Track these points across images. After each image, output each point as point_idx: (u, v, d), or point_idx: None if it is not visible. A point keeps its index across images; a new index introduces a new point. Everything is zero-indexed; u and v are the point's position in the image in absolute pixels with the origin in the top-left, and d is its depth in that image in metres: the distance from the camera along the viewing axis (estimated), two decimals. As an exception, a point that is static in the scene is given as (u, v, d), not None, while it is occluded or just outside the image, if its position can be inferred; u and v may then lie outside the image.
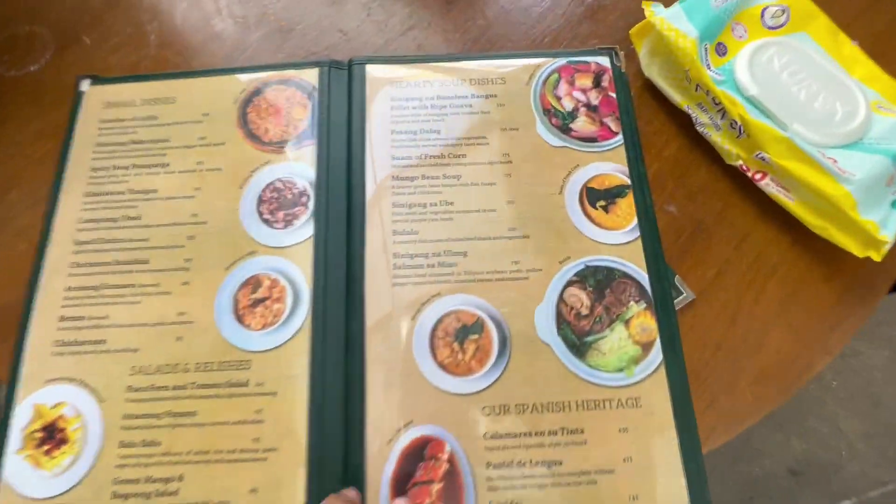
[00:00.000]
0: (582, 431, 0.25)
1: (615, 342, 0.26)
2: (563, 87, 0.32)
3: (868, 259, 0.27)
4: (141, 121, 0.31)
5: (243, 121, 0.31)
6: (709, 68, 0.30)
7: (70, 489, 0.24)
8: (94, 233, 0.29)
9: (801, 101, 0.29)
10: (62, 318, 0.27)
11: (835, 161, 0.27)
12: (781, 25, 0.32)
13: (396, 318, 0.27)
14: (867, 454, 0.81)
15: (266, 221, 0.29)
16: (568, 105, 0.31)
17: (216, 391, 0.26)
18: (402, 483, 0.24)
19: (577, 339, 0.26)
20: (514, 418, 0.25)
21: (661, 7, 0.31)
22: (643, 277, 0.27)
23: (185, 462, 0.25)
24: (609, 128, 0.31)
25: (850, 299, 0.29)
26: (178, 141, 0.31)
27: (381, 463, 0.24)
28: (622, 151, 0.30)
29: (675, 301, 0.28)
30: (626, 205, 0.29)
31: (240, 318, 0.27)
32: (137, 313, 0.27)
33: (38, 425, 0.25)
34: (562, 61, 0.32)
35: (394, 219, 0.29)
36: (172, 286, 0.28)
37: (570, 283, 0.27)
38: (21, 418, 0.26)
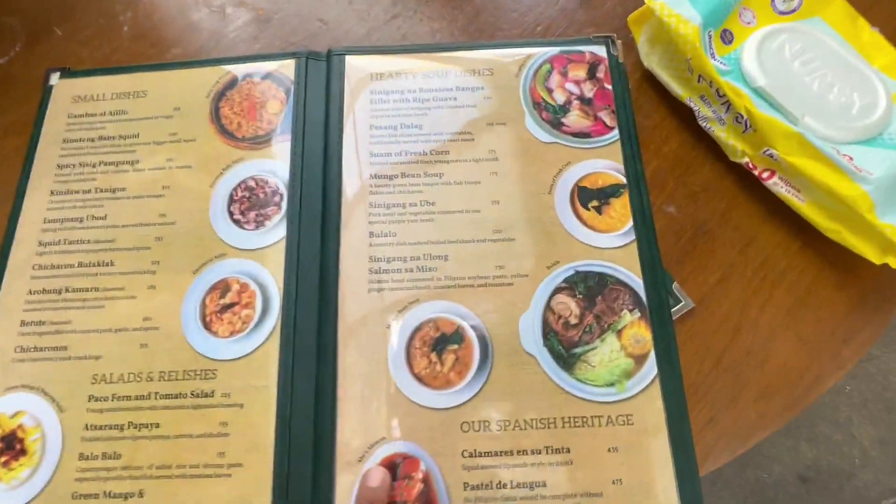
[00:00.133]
0: (568, 450, 0.23)
1: (606, 354, 0.24)
2: (554, 79, 0.30)
3: (885, 266, 0.25)
4: (110, 116, 0.30)
5: (216, 115, 0.30)
6: (713, 57, 0.28)
7: (27, 503, 0.23)
8: (58, 233, 0.28)
9: (815, 92, 0.27)
10: (23, 323, 0.26)
11: (850, 158, 0.25)
12: (794, 10, 0.30)
13: (371, 326, 0.25)
14: (881, 461, 0.78)
15: (237, 222, 0.27)
16: (560, 98, 0.29)
17: (180, 402, 0.24)
18: (372, 504, 0.22)
19: (565, 351, 0.25)
20: (494, 436, 0.23)
21: (662, -9, 0.29)
22: (638, 284, 0.25)
23: (147, 477, 0.23)
24: (604, 122, 0.29)
25: (865, 309, 0.27)
26: (148, 137, 0.29)
27: (352, 482, 0.23)
28: (618, 148, 0.28)
29: (673, 310, 0.26)
30: (621, 205, 0.27)
31: (207, 325, 0.26)
32: (101, 318, 0.26)
33: (-5, 435, 0.24)
34: (554, 51, 0.30)
35: (371, 220, 0.27)
36: (138, 290, 0.26)
37: (558, 290, 0.25)
38: (-21, 428, 0.25)
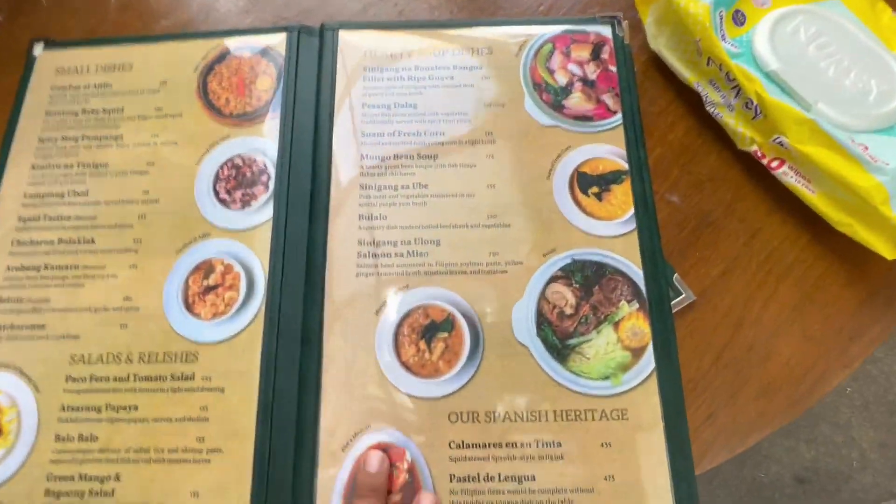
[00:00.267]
0: (559, 445, 0.22)
1: (602, 346, 0.24)
2: (556, 59, 0.28)
3: (898, 261, 0.24)
4: (95, 89, 0.29)
5: (203, 91, 0.28)
6: (723, 39, 0.26)
7: (2, 484, 0.23)
8: (38, 209, 0.27)
9: (830, 77, 0.26)
10: (0, 300, 0.25)
11: (865, 148, 0.24)
12: (811, -8, 0.28)
13: (359, 311, 0.24)
14: (881, 465, 0.77)
15: (222, 201, 0.26)
16: (561, 79, 0.28)
17: (160, 385, 0.24)
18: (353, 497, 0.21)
19: (559, 342, 0.24)
20: (483, 427, 0.22)
21: (672, -31, 0.27)
22: (637, 275, 0.24)
23: (123, 460, 0.23)
24: (607, 106, 0.27)
25: (875, 307, 0.26)
26: (133, 111, 0.28)
27: (335, 470, 0.22)
28: (620, 133, 0.27)
29: (673, 302, 0.25)
30: (622, 192, 0.26)
31: (189, 307, 0.25)
32: (80, 297, 0.25)
33: (-31, 414, 0.24)
34: (557, 30, 0.29)
35: (361, 202, 0.26)
36: (119, 269, 0.25)
37: (553, 279, 0.24)
38: (-47, 406, 0.24)
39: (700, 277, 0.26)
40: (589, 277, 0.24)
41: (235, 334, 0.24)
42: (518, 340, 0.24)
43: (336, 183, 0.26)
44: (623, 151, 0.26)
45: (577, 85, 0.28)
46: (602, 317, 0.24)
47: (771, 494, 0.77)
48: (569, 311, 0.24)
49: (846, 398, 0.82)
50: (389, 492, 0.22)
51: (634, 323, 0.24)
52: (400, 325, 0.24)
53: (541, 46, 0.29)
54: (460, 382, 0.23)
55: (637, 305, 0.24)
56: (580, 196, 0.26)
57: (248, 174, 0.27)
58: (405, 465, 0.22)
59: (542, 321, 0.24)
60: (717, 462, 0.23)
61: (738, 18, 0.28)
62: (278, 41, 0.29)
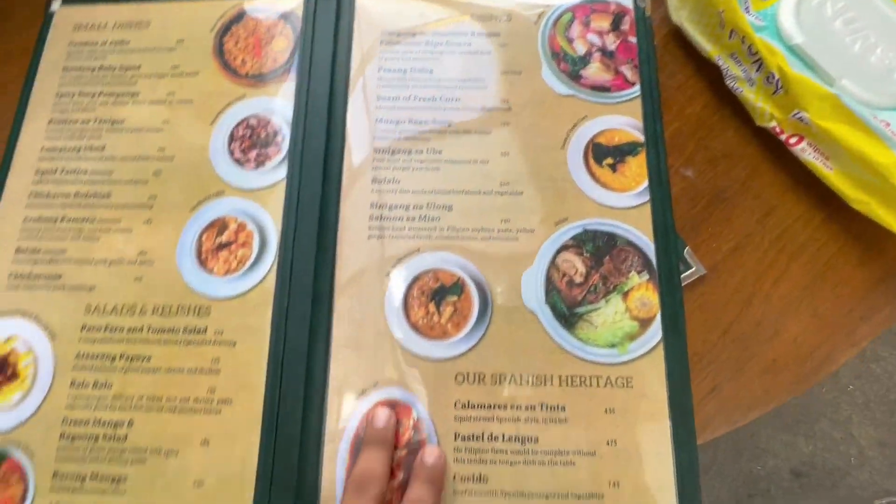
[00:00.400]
0: (563, 409, 0.22)
1: (609, 315, 0.24)
2: (576, 29, 0.28)
3: (914, 241, 0.23)
4: (111, 45, 0.29)
5: (219, 50, 0.28)
6: (747, 11, 0.26)
7: (18, 426, 0.23)
8: (56, 162, 0.27)
9: (855, 53, 0.25)
10: (18, 250, 0.26)
11: (888, 124, 0.23)
12: (840, -33, 0.27)
13: (369, 272, 0.24)
14: (878, 463, 0.77)
15: (237, 161, 0.27)
16: (580, 49, 0.28)
17: (173, 336, 0.24)
18: (361, 450, 0.22)
19: (567, 310, 0.24)
20: (489, 388, 0.23)
21: (698, -61, 0.27)
22: (648, 246, 0.24)
23: (136, 407, 0.23)
24: (625, 77, 0.27)
25: (887, 288, 0.25)
26: (149, 69, 0.28)
27: (343, 423, 0.22)
28: (638, 105, 0.27)
29: (683, 275, 0.25)
30: (637, 165, 0.26)
31: (202, 262, 0.25)
32: (96, 250, 0.25)
33: (-12, 358, 0.24)
34: (577, -1, 0.28)
35: (374, 165, 0.26)
36: (134, 223, 0.26)
37: (564, 248, 0.25)
38: (-28, 350, 0.24)
39: (711, 252, 0.26)
40: (600, 247, 0.24)
41: (247, 290, 0.25)
42: (526, 306, 0.24)
43: (350, 146, 0.26)
44: (639, 123, 0.26)
45: (596, 55, 0.27)
46: (611, 286, 0.24)
47: (767, 487, 0.78)
48: (578, 279, 0.24)
49: (848, 395, 0.82)
50: (395, 447, 0.22)
51: (643, 294, 0.24)
52: (410, 287, 0.24)
53: (560, 15, 0.28)
54: (468, 345, 0.23)
55: (647, 277, 0.24)
56: (594, 166, 0.26)
57: (263, 135, 0.27)
58: (411, 423, 0.22)
59: (551, 288, 0.24)
60: (719, 434, 0.24)
61: (764, -9, 0.27)
62: (296, 4, 0.29)
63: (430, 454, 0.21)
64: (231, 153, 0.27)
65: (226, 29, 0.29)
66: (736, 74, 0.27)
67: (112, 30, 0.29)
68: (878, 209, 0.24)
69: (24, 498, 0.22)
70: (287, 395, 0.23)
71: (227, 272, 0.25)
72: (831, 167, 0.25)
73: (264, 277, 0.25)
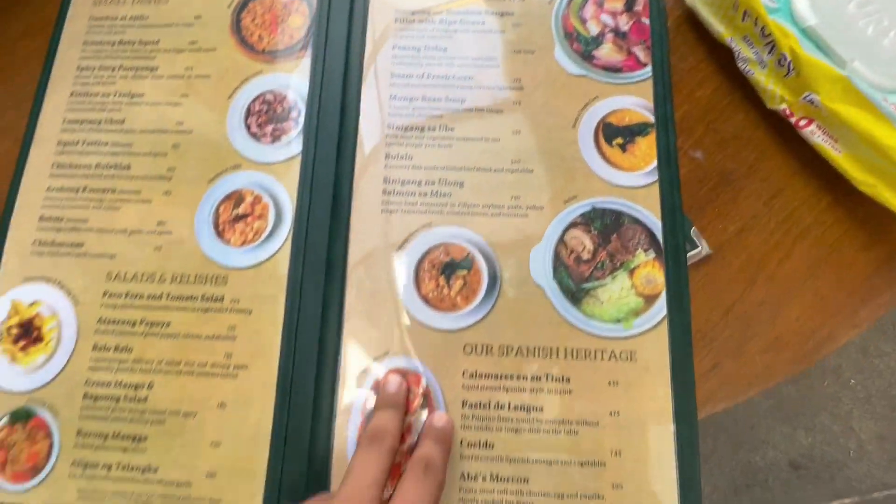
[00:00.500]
0: (568, 380, 0.23)
1: (615, 292, 0.24)
2: (589, 9, 0.28)
3: (919, 224, 0.24)
4: (130, 20, 0.29)
5: (237, 27, 0.29)
6: (762, -7, 0.26)
7: (43, 385, 0.24)
8: (77, 134, 0.28)
9: (868, 36, 0.25)
10: (42, 218, 0.27)
11: (898, 108, 0.24)
12: (856, -50, 0.27)
13: (382, 245, 0.25)
14: (877, 456, 0.78)
15: (253, 135, 0.27)
16: (593, 29, 0.28)
17: (191, 304, 0.25)
18: (373, 412, 0.23)
19: (574, 285, 0.24)
20: (496, 359, 0.23)
21: (714, -80, 0.27)
22: (655, 225, 0.25)
23: (156, 371, 0.24)
24: (637, 58, 0.27)
25: (889, 271, 0.26)
26: (167, 44, 0.29)
27: (354, 390, 0.23)
28: (649, 86, 0.27)
29: (689, 254, 0.25)
30: (647, 145, 0.26)
31: (220, 233, 0.26)
32: (116, 219, 0.26)
33: (14, 321, 0.25)
34: (592, -20, 0.29)
35: (387, 141, 0.26)
36: (153, 195, 0.27)
37: (573, 225, 0.25)
38: (-1, 313, 0.25)
39: (717, 233, 0.26)
40: (608, 225, 0.25)
41: (263, 261, 0.25)
42: (534, 281, 0.24)
43: (364, 121, 0.27)
44: (650, 105, 0.27)
45: (609, 35, 0.28)
46: (618, 263, 0.24)
47: (765, 478, 0.78)
48: (586, 256, 0.25)
49: (849, 390, 0.82)
50: (405, 413, 0.23)
51: (649, 271, 0.24)
52: (421, 260, 0.25)
53: (574, -4, 0.28)
54: (476, 317, 0.24)
55: (653, 255, 0.25)
56: (604, 146, 0.26)
57: (279, 110, 0.27)
58: (420, 390, 0.23)
59: (558, 264, 0.25)
60: (719, 409, 0.24)
61: (779, -27, 0.27)
62: (311, -20, 0.29)
63: (439, 418, 0.22)
64: (248, 128, 0.27)
65: (243, 5, 0.29)
66: (748, 57, 0.27)
67: (131, 5, 0.30)
68: (885, 192, 0.24)
69: (49, 453, 0.24)
70: (301, 362, 0.24)
71: (244, 243, 0.26)
72: (840, 150, 0.25)
73: (279, 249, 0.25)
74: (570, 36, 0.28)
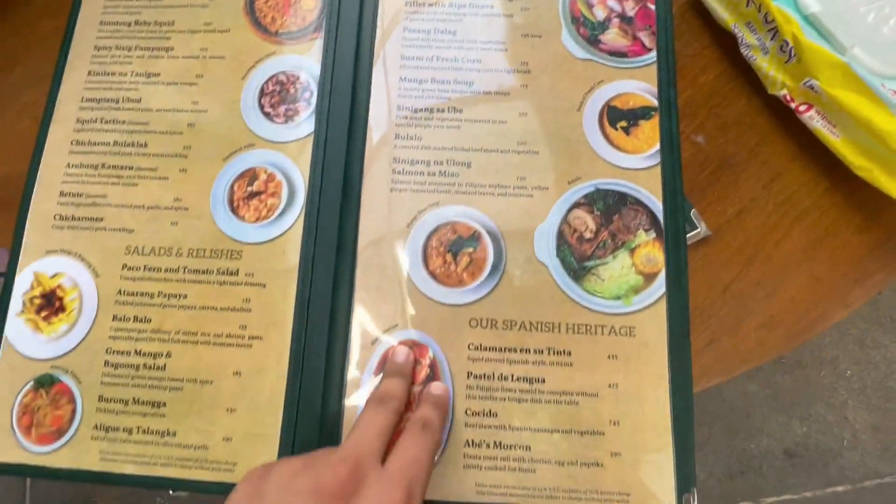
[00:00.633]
0: (569, 353, 0.24)
1: (616, 270, 0.25)
2: (596, -6, 0.29)
3: (912, 208, 0.24)
4: (146, 1, 0.30)
5: (250, 8, 0.29)
6: (766, -20, 0.26)
7: (66, 353, 0.25)
8: (95, 112, 0.28)
9: (869, 23, 0.26)
10: (62, 194, 0.27)
11: (895, 93, 0.24)
12: (861, -62, 0.28)
13: (391, 223, 0.26)
14: (870, 446, 0.79)
15: (266, 115, 0.28)
16: (600, 14, 0.28)
17: (207, 277, 0.26)
18: (381, 381, 0.24)
19: (577, 263, 0.25)
20: (500, 333, 0.24)
21: None
22: (657, 206, 0.26)
23: (174, 341, 0.25)
24: (642, 43, 0.28)
25: (883, 253, 0.27)
26: (182, 25, 0.29)
27: (364, 360, 0.24)
28: (653, 71, 0.27)
29: (688, 235, 0.26)
30: (650, 128, 0.27)
31: (234, 210, 0.27)
32: (134, 195, 0.27)
33: (37, 292, 0.26)
34: (599, -35, 0.29)
35: (397, 122, 0.27)
36: (170, 172, 0.27)
37: (576, 205, 0.26)
38: (22, 284, 0.26)
39: (716, 215, 0.27)
40: (610, 206, 0.26)
41: (276, 237, 0.26)
42: (538, 259, 0.25)
43: (375, 102, 0.27)
44: (654, 89, 0.27)
45: (615, 20, 0.28)
46: (619, 243, 0.25)
47: (759, 465, 0.80)
48: (588, 235, 0.25)
49: (845, 381, 0.83)
50: (412, 383, 0.24)
51: (650, 251, 0.25)
52: (429, 238, 0.26)
53: (581, -19, 0.29)
54: (482, 293, 0.25)
55: (654, 235, 0.25)
56: (609, 129, 0.27)
57: (292, 90, 0.28)
58: (427, 361, 0.24)
59: (561, 243, 0.25)
60: (714, 383, 0.25)
61: (783, -40, 0.27)
62: (323, -37, 0.30)
63: (436, 387, 0.23)
64: (261, 107, 0.28)
65: (256, -13, 0.30)
66: (751, 43, 0.27)
67: (146, -14, 0.30)
68: (881, 176, 0.25)
69: (72, 418, 0.25)
70: (313, 334, 0.25)
71: (258, 219, 0.26)
72: (838, 135, 0.26)
73: (292, 225, 0.26)
74: (577, 20, 0.28)
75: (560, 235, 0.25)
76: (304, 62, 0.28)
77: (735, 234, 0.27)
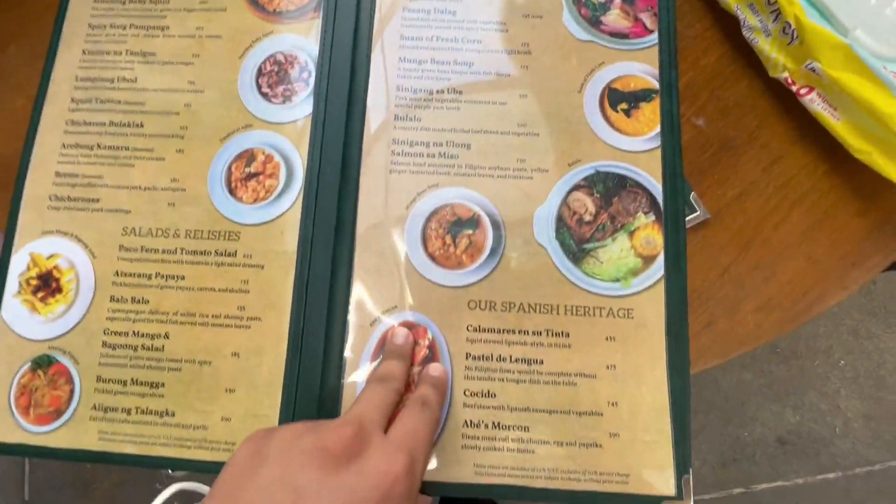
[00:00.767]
0: (567, 335, 0.24)
1: (615, 252, 0.25)
2: (598, -25, 0.28)
3: (911, 191, 0.24)
4: (141, -21, 0.30)
5: (247, -13, 0.29)
6: (769, -39, 0.26)
7: (63, 334, 0.25)
8: (90, 91, 0.28)
9: (872, 5, 0.25)
10: (58, 174, 0.27)
11: (897, 76, 0.24)
12: (865, -81, 0.27)
13: (390, 205, 0.26)
14: (862, 434, 0.80)
15: (264, 95, 0.27)
16: (601, -5, 0.28)
17: (204, 258, 0.26)
18: (381, 362, 0.24)
19: (576, 245, 0.25)
20: (499, 315, 0.24)
21: None
22: (656, 189, 0.26)
23: (172, 322, 0.25)
24: (644, 24, 0.28)
25: (881, 237, 0.27)
26: (178, 3, 0.29)
27: (362, 342, 0.24)
28: (655, 52, 0.27)
29: (687, 218, 0.26)
30: (651, 111, 0.26)
31: (232, 191, 0.26)
32: (131, 176, 0.27)
33: (33, 273, 0.26)
34: (601, -55, 0.29)
35: (397, 103, 0.27)
36: (166, 153, 0.27)
37: (576, 188, 0.26)
38: (18, 265, 0.26)
39: (716, 198, 0.27)
40: (610, 188, 0.26)
41: (274, 218, 0.26)
42: (537, 241, 0.25)
43: (374, 83, 0.27)
44: (655, 71, 0.27)
45: (617, 2, 0.28)
46: (619, 225, 0.25)
47: (752, 452, 0.81)
48: (588, 217, 0.25)
49: (838, 370, 0.84)
50: (412, 364, 0.24)
51: (649, 233, 0.25)
52: (428, 220, 0.26)
53: (583, -39, 0.28)
54: (481, 275, 0.25)
55: (653, 217, 0.25)
56: (609, 111, 0.27)
57: (290, 71, 0.28)
58: (426, 342, 0.24)
59: (561, 225, 0.25)
60: (711, 365, 0.25)
61: (787, -59, 0.27)
62: (321, -59, 0.29)
63: (434, 368, 0.23)
64: (259, 88, 0.28)
65: (252, -35, 0.29)
66: (753, 25, 0.27)
67: (140, -36, 0.30)
68: (880, 159, 0.25)
69: (70, 398, 0.25)
70: (311, 315, 0.25)
71: (256, 201, 0.26)
72: (838, 118, 0.26)
73: (291, 206, 0.26)
74: (579, 1, 0.28)
75: (559, 218, 0.25)
76: (303, 42, 0.28)
77: (734, 216, 0.27)
